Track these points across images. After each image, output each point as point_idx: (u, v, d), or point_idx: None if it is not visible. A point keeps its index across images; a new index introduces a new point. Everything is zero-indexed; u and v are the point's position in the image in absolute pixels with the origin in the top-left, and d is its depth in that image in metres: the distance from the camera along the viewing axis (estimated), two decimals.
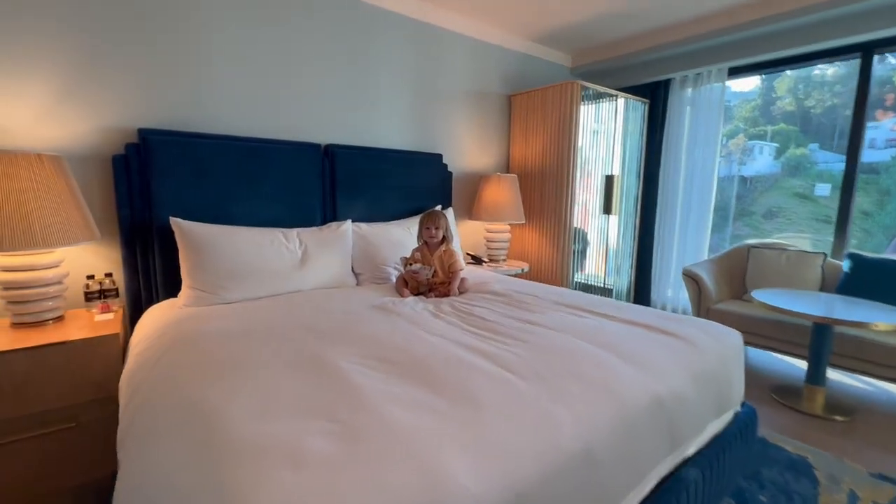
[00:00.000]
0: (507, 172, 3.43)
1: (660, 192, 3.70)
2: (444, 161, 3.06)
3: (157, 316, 1.69)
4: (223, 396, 0.95)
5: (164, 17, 1.97)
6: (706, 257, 3.52)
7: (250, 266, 1.86)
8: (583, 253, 3.58)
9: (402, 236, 2.46)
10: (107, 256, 1.94)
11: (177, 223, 1.83)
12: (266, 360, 1.14)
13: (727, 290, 3.07)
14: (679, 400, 1.16)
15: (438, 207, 2.87)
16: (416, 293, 2.07)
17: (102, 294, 1.83)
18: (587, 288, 3.66)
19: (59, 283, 1.69)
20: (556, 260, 3.23)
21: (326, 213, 2.51)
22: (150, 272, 1.99)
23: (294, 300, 1.80)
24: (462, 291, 2.10)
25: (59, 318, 1.70)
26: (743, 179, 3.97)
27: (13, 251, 1.51)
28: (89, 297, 1.80)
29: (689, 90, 3.54)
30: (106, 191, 1.91)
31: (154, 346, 1.39)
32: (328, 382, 1.03)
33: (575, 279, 3.37)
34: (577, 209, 3.22)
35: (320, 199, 2.46)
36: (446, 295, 2.02)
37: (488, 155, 3.38)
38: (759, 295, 2.39)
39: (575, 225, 3.20)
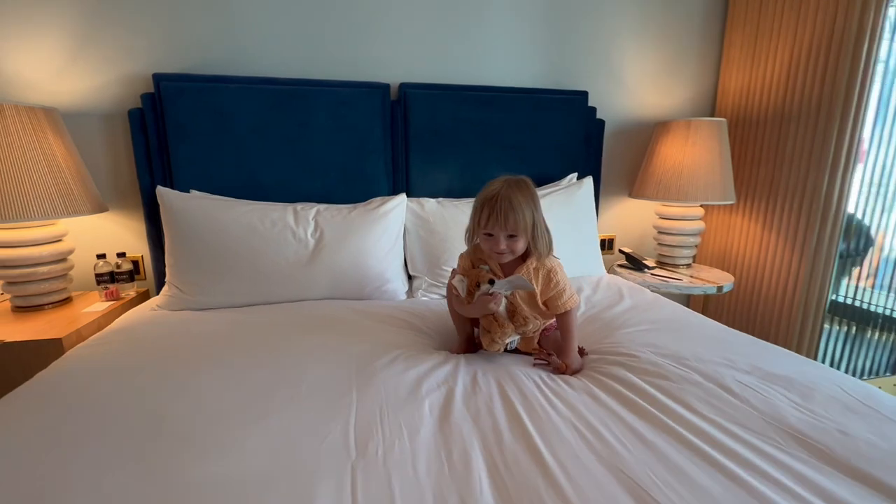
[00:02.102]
0: (711, 117, 2.04)
1: None
2: (592, 103, 1.94)
3: (123, 319, 1.29)
4: None
5: None
6: None
7: (237, 258, 1.29)
8: (854, 257, 1.95)
9: None
10: (136, 231, 1.67)
11: (161, 193, 1.39)
12: None
13: None
14: None
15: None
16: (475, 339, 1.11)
17: (114, 277, 1.55)
18: (861, 317, 2.00)
19: (62, 261, 1.45)
20: (797, 273, 1.78)
21: (397, 185, 1.79)
22: None
23: (272, 320, 1.16)
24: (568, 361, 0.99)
25: (65, 302, 1.47)
26: None
27: None
28: (100, 280, 1.54)
29: None
30: (129, 152, 1.60)
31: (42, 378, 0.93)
32: None
33: (831, 296, 1.83)
34: (856, 183, 1.69)
35: (387, 164, 1.75)
36: (541, 355, 1.02)
37: (675, 89, 2.07)
38: None
39: (849, 210, 1.68)
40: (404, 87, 1.73)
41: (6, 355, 1.17)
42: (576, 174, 1.87)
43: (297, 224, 1.37)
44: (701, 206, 1.92)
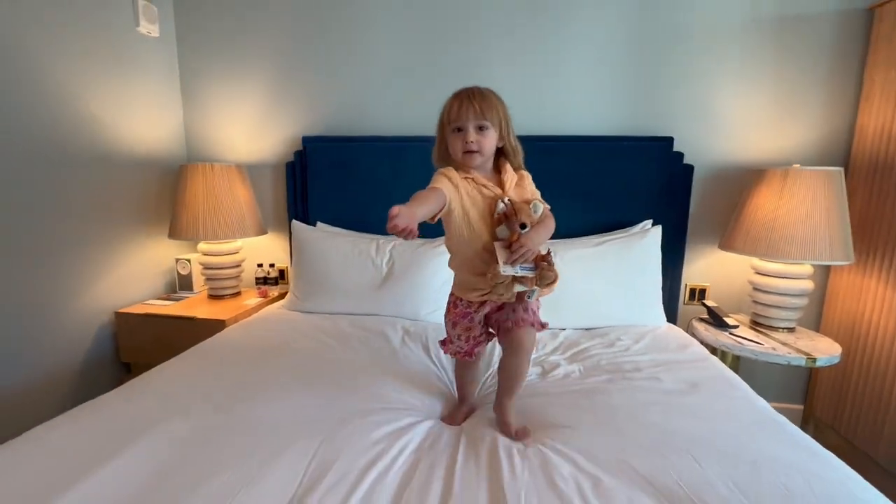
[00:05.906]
0: (836, 165, 1.75)
1: None
2: (678, 149, 1.88)
3: (261, 311, 1.84)
4: None
5: (337, 30, 2.05)
6: None
7: (329, 276, 1.73)
8: None
9: None
10: (284, 249, 2.28)
11: (294, 225, 1.92)
12: None
13: None
14: None
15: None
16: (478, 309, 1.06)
17: (265, 280, 2.17)
18: None
19: (236, 266, 2.11)
20: None
21: None
22: None
23: (326, 329, 1.54)
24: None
25: (237, 294, 2.13)
26: None
27: (206, 240, 1.97)
28: (257, 281, 2.17)
29: None
30: (285, 193, 2.22)
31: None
32: None
33: None
34: None
35: None
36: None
37: (792, 130, 1.84)
38: None
39: None
40: None
41: (200, 326, 1.81)
42: (650, 221, 1.84)
43: (377, 254, 1.75)
44: (811, 264, 1.67)
